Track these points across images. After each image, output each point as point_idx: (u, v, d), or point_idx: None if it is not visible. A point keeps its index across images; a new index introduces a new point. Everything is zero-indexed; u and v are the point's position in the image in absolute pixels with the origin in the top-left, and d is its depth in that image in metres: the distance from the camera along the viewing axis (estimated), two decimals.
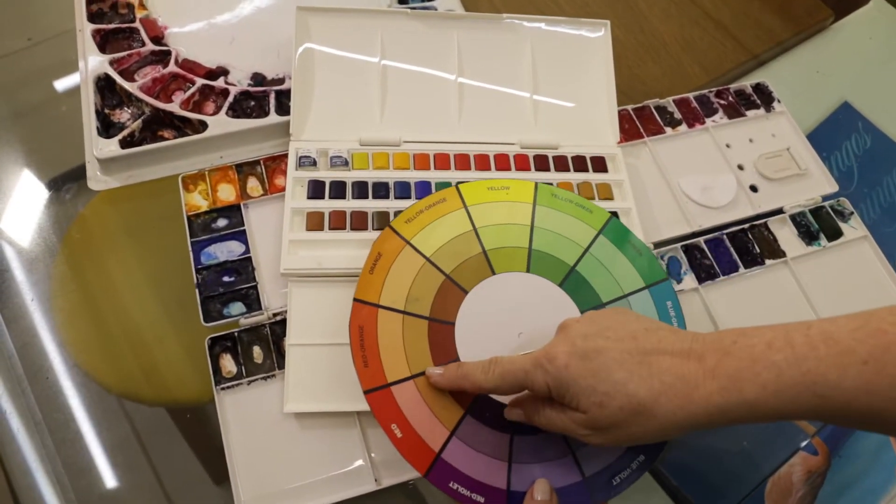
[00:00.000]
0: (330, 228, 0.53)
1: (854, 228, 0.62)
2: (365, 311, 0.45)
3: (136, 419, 0.50)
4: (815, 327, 0.33)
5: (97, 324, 0.53)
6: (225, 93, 0.60)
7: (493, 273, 0.48)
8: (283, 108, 0.59)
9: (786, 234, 0.61)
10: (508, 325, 0.46)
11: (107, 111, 0.59)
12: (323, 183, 0.55)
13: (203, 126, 0.57)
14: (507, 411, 0.43)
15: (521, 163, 0.59)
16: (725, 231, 0.60)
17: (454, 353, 0.45)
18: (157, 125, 0.59)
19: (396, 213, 0.54)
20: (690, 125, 0.65)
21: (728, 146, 0.65)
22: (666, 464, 0.51)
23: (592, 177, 0.59)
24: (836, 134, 0.70)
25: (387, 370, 0.43)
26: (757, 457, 0.53)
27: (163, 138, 0.58)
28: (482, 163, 0.58)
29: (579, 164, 0.60)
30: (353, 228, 0.53)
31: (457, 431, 0.42)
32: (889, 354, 0.30)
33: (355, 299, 0.46)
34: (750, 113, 0.67)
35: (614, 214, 0.57)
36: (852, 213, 0.62)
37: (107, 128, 0.58)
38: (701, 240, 0.59)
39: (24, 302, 0.54)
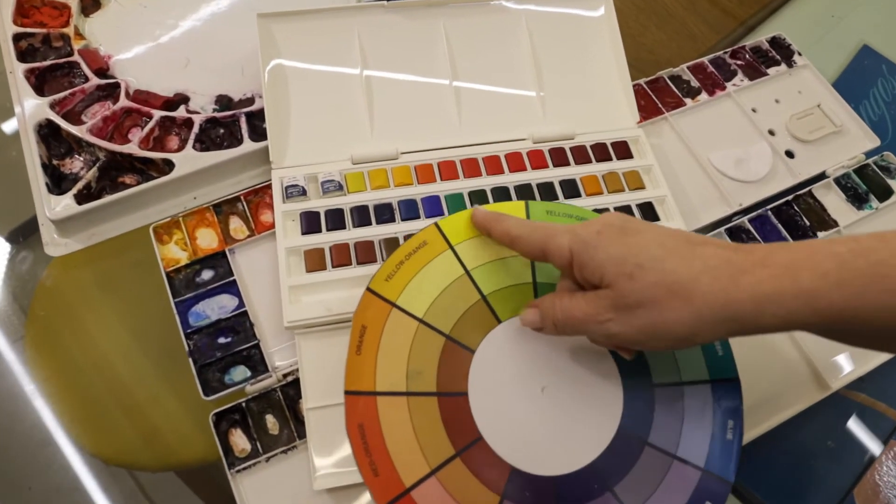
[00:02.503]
0: (334, 266, 0.47)
1: None
2: (361, 404, 0.39)
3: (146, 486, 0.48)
4: (884, 232, 0.30)
5: (85, 394, 0.49)
6: (188, 123, 0.53)
7: (499, 321, 0.42)
8: (258, 132, 0.53)
9: (833, 201, 0.55)
10: (528, 381, 0.40)
11: (55, 162, 0.52)
12: (317, 214, 0.48)
13: (169, 166, 0.51)
14: (521, 314, 0.39)
15: (537, 159, 0.52)
16: (769, 207, 0.54)
17: (475, 430, 0.39)
18: (115, 171, 0.52)
19: (407, 237, 0.48)
20: (711, 92, 0.59)
21: (754, 111, 0.59)
22: (743, 473, 0.46)
23: (618, 165, 0.53)
24: (861, 81, 0.65)
25: (402, 472, 0.37)
26: (844, 456, 0.48)
27: (125, 186, 0.51)
28: (493, 165, 0.52)
29: (601, 152, 0.54)
30: (360, 262, 0.47)
31: None
32: None
33: (347, 392, 0.39)
34: (771, 71, 0.61)
35: (649, 205, 0.51)
36: None
37: (58, 182, 0.51)
38: (745, 219, 0.53)
39: None
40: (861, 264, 0.29)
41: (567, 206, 0.46)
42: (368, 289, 0.41)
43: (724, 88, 0.59)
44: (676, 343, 0.32)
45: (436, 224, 0.44)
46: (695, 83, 0.60)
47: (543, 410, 0.40)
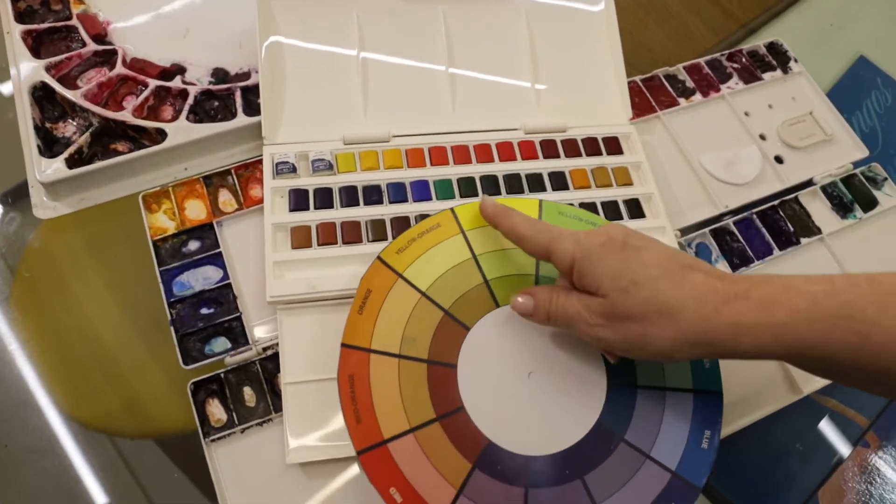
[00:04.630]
0: (319, 244, 0.47)
1: (889, 196, 0.57)
2: (355, 357, 0.40)
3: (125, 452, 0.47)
4: (858, 274, 0.32)
5: (67, 358, 0.49)
6: (183, 94, 0.53)
7: (498, 306, 0.43)
8: (252, 107, 0.52)
9: (818, 208, 0.55)
10: (517, 364, 0.41)
11: (48, 125, 0.51)
12: (306, 192, 0.48)
13: (162, 135, 0.50)
14: (513, 299, 0.40)
15: (527, 150, 0.52)
16: (755, 210, 0.54)
17: (458, 400, 0.40)
18: (108, 138, 0.52)
19: (393, 220, 0.48)
20: (705, 94, 0.59)
21: (747, 114, 0.59)
22: (714, 474, 0.46)
23: (607, 160, 0.53)
24: (856, 92, 0.65)
25: (382, 425, 0.38)
26: (811, 459, 0.48)
27: (116, 153, 0.51)
28: (484, 153, 0.52)
29: (591, 146, 0.54)
30: (346, 242, 0.47)
31: (465, 489, 0.38)
32: None
33: (343, 345, 0.41)
34: (766, 76, 0.61)
35: (635, 202, 0.51)
36: (886, 178, 0.57)
37: (50, 145, 0.50)
38: (730, 221, 0.53)
39: None
40: (831, 304, 0.30)
41: (578, 210, 0.47)
42: (379, 258, 0.43)
43: (718, 90, 0.59)
44: (655, 356, 0.34)
45: (451, 209, 0.46)
46: (690, 83, 0.59)
47: (527, 393, 0.40)
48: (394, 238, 0.46)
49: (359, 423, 0.38)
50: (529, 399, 0.40)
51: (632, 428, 0.40)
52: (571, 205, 0.49)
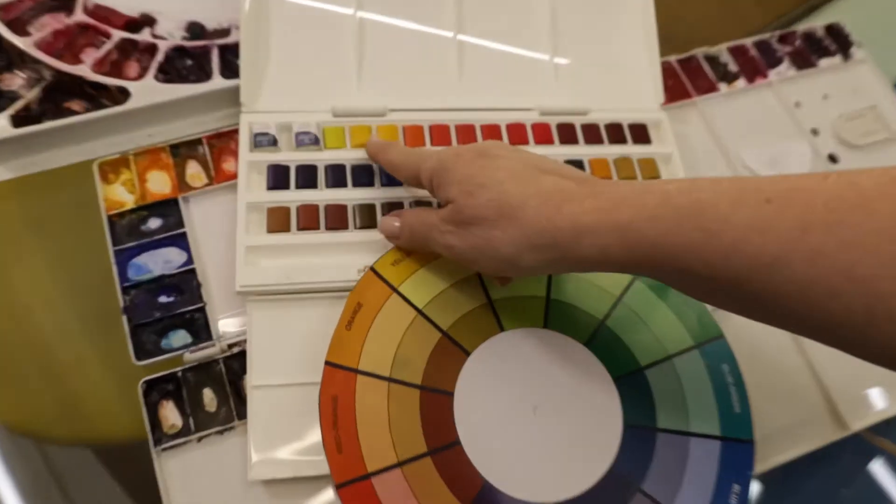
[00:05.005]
0: (299, 229, 0.48)
1: None
2: (340, 377, 0.41)
3: (56, 461, 0.48)
4: (730, 178, 0.34)
5: None
6: (152, 49, 0.54)
7: (502, 329, 0.44)
8: (231, 69, 0.53)
9: None
10: (521, 397, 0.43)
11: None
12: (286, 168, 0.49)
13: (124, 94, 0.51)
14: (381, 221, 0.46)
15: (542, 134, 0.53)
16: None
17: (453, 433, 0.41)
18: (61, 94, 0.52)
19: (385, 206, 0.49)
20: (750, 80, 0.60)
21: (798, 105, 0.60)
22: None
23: (632, 150, 0.54)
24: None
25: (367, 456, 0.39)
26: None
27: (70, 112, 0.51)
28: (492, 135, 0.53)
29: (615, 133, 0.55)
30: (329, 228, 0.48)
31: None
32: (798, 194, 0.29)
33: (328, 363, 0.42)
34: (823, 62, 0.62)
35: None
36: None
37: None
38: None
39: None
40: (682, 201, 0.31)
41: None
42: (372, 269, 0.45)
43: (766, 76, 0.60)
44: (503, 264, 0.37)
45: None
46: (733, 67, 0.61)
47: (531, 431, 0.41)
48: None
49: (340, 452, 0.39)
50: (533, 437, 0.41)
51: (650, 477, 0.41)
52: None
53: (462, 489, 0.39)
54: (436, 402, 0.42)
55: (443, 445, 0.40)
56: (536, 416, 0.42)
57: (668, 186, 0.33)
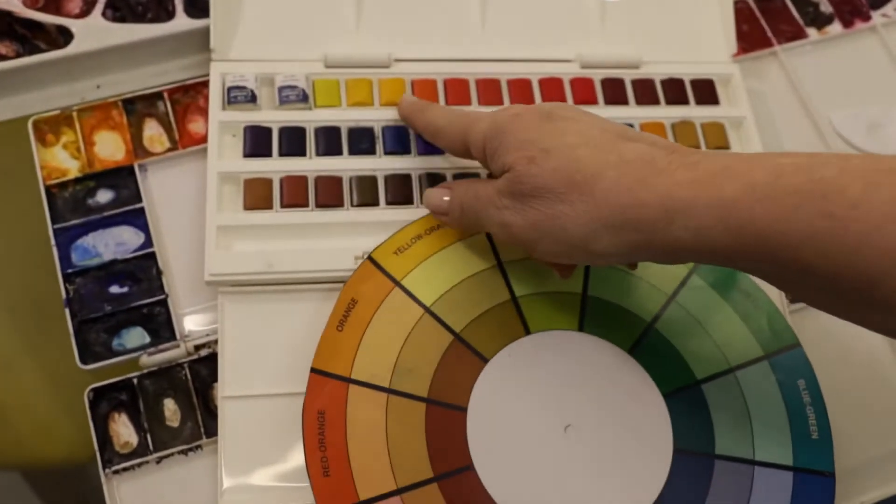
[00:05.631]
0: (283, 206, 0.49)
1: None
2: (329, 388, 0.43)
3: None
4: (857, 154, 0.35)
5: None
6: None
7: (528, 332, 0.46)
8: (197, 5, 0.55)
9: None
10: (550, 413, 0.44)
11: None
12: (268, 131, 0.51)
13: (65, 36, 0.53)
14: (428, 193, 0.47)
15: (583, 91, 0.55)
16: None
17: (465, 456, 0.42)
18: None
19: (388, 179, 0.51)
20: (847, 23, 0.62)
21: None
22: None
23: (696, 112, 0.56)
24: None
25: (359, 481, 0.41)
26: None
27: None
28: (521, 92, 0.55)
29: (674, 91, 0.57)
30: (320, 205, 0.50)
31: None
32: None
33: (314, 370, 0.43)
34: None
35: None
36: None
37: None
38: None
39: None
40: (800, 180, 0.32)
41: None
42: (370, 257, 0.46)
43: (868, 18, 0.62)
44: (571, 247, 0.38)
45: None
46: (826, 7, 0.62)
47: (561, 455, 0.43)
48: (389, 237, 0.48)
49: (326, 476, 0.41)
50: (564, 463, 0.43)
51: None
52: None
53: None
54: (445, 418, 0.43)
55: (452, 470, 0.42)
56: (567, 438, 0.44)
57: (782, 160, 0.33)
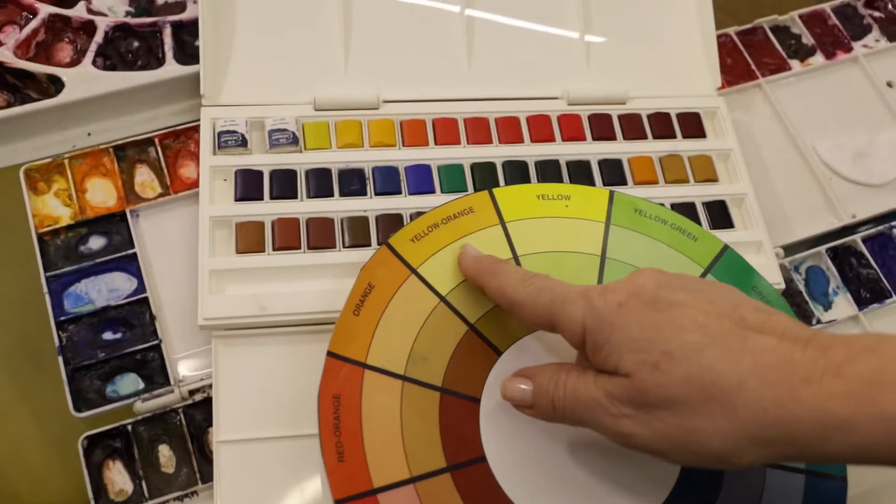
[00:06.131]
0: (276, 248, 0.50)
1: None
2: (345, 372, 0.43)
3: None
4: None
5: None
6: (89, 28, 0.57)
7: None
8: (187, 51, 0.56)
9: None
10: None
11: None
12: (259, 174, 0.52)
13: (56, 85, 0.54)
14: (505, 383, 0.41)
15: (571, 127, 0.56)
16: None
17: (478, 448, 0.43)
18: None
19: (380, 219, 0.51)
20: (830, 55, 0.63)
21: (891, 85, 0.63)
22: None
23: (683, 146, 0.57)
24: None
25: (373, 468, 0.41)
26: None
27: None
28: (509, 131, 0.56)
29: (661, 125, 0.57)
30: (312, 247, 0.50)
31: None
32: None
33: (331, 353, 0.43)
34: None
35: (720, 205, 0.55)
36: None
37: None
38: (857, 238, 0.57)
39: None
40: None
41: (664, 211, 0.51)
42: (387, 244, 0.47)
43: (849, 50, 0.63)
44: (709, 461, 0.35)
45: (490, 191, 0.50)
46: (808, 39, 0.63)
47: (573, 450, 0.43)
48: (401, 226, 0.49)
49: (341, 461, 0.41)
50: (575, 458, 0.43)
51: None
52: (662, 205, 0.52)
53: None
54: (459, 408, 0.44)
55: (465, 461, 0.42)
56: (580, 434, 0.43)
57: None
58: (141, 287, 0.51)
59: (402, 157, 0.54)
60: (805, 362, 0.32)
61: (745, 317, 0.35)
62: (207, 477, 0.46)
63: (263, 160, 0.52)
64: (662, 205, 0.53)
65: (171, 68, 0.55)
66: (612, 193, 0.51)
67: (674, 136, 0.57)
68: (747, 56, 0.62)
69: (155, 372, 0.49)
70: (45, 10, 0.56)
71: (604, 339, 0.36)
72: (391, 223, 0.51)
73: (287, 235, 0.50)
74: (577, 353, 0.41)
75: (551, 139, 0.56)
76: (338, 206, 0.52)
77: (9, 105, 0.54)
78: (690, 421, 0.34)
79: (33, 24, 0.56)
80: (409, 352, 0.44)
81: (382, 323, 0.45)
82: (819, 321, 0.54)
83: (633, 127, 0.57)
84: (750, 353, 0.33)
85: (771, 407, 0.32)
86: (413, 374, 0.44)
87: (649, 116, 0.58)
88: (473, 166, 0.54)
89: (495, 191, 0.50)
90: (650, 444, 0.35)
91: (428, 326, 0.45)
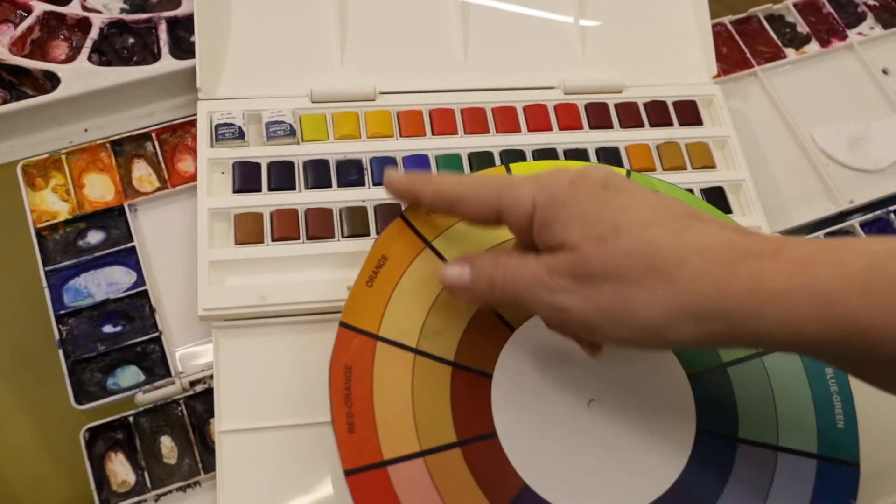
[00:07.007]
0: (274, 239, 0.50)
1: None
2: (357, 343, 0.43)
3: None
4: None
5: None
6: (84, 25, 0.57)
7: None
8: (183, 46, 0.57)
9: None
10: (574, 386, 0.44)
11: None
12: (257, 166, 0.52)
13: (52, 81, 0.54)
14: (442, 268, 0.42)
15: (568, 116, 0.57)
16: (893, 208, 0.59)
17: (489, 423, 0.43)
18: None
19: (378, 209, 0.52)
20: (825, 42, 0.64)
21: (886, 72, 0.64)
22: None
23: (680, 133, 0.58)
24: None
25: (384, 440, 0.41)
26: None
27: None
28: (506, 120, 0.56)
29: (658, 113, 0.58)
30: (311, 237, 0.51)
31: None
32: None
33: (343, 324, 0.43)
34: None
35: (718, 191, 0.56)
36: None
37: None
38: (856, 223, 0.58)
39: None
40: None
41: (676, 189, 0.51)
42: (402, 216, 0.47)
43: (844, 38, 0.64)
44: (642, 336, 0.35)
45: (506, 165, 0.50)
46: (803, 27, 0.64)
47: (584, 428, 0.44)
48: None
49: (352, 432, 0.41)
50: (586, 436, 0.43)
51: (726, 496, 0.43)
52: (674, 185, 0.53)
53: (496, 490, 0.41)
54: (470, 383, 0.44)
55: (476, 436, 0.42)
56: (591, 412, 0.44)
57: (874, 246, 0.32)
58: (140, 280, 0.51)
59: (399, 147, 0.54)
60: (744, 245, 0.34)
61: (688, 209, 0.37)
62: (210, 467, 0.47)
63: (261, 152, 0.53)
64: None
65: (167, 63, 0.56)
66: (629, 172, 0.52)
67: (670, 124, 0.58)
68: (742, 45, 0.63)
69: (156, 364, 0.49)
70: (40, 7, 0.57)
71: (553, 215, 0.37)
72: (389, 212, 0.52)
73: (286, 226, 0.51)
74: (516, 241, 0.41)
75: (548, 128, 0.56)
76: (336, 197, 0.52)
77: (5, 102, 0.54)
78: (629, 292, 0.34)
79: (28, 21, 0.56)
80: (421, 325, 0.44)
81: (395, 295, 0.45)
82: None
83: (629, 115, 0.58)
84: (694, 234, 0.35)
85: (709, 280, 0.33)
86: (425, 348, 0.44)
87: (646, 105, 0.58)
88: (471, 156, 0.54)
89: (512, 166, 0.50)
90: (585, 318, 0.36)
91: (441, 300, 0.45)
